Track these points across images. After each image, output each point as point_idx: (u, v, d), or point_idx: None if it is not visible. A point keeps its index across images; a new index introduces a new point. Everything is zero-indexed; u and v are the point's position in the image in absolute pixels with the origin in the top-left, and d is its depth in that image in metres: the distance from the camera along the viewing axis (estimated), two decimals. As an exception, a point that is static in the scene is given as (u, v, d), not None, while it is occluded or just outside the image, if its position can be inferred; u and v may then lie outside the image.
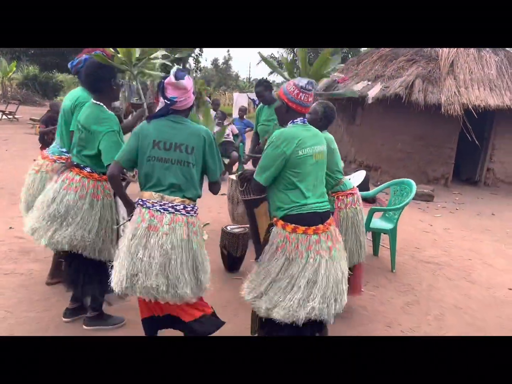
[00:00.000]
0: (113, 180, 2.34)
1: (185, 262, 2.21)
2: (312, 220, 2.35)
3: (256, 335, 2.63)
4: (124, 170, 2.45)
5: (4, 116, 15.49)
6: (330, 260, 2.36)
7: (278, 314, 2.29)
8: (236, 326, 3.10)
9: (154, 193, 2.25)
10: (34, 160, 3.65)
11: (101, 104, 2.70)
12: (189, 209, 2.28)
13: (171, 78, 2.23)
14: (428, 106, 7.87)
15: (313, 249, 2.32)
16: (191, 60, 24.18)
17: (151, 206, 2.23)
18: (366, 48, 13.67)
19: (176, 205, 2.23)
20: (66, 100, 3.15)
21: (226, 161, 6.34)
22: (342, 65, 11.36)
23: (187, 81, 2.26)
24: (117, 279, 2.22)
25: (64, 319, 2.99)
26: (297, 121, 2.41)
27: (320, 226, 2.36)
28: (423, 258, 4.85)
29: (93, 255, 2.75)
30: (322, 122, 3.16)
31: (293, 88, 2.37)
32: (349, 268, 3.19)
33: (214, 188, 2.48)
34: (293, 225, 2.33)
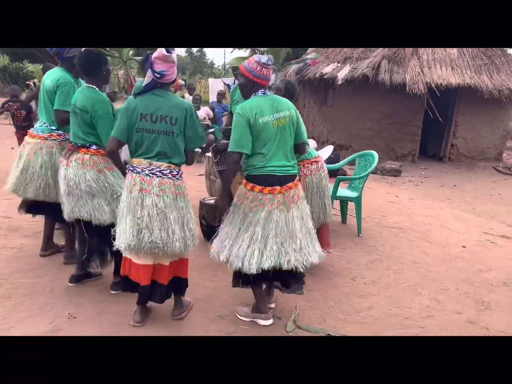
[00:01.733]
0: (112, 155, 2.64)
1: (176, 219, 2.54)
2: (269, 181, 2.62)
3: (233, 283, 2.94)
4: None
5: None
6: (284, 217, 2.62)
7: (241, 265, 2.60)
8: (215, 284, 3.44)
9: (143, 159, 2.55)
10: (12, 148, 3.86)
11: (94, 86, 2.92)
12: (175, 173, 2.58)
13: (163, 51, 2.47)
14: (394, 86, 8.29)
15: (267, 206, 2.59)
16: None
17: (140, 171, 2.53)
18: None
19: (163, 170, 2.54)
20: (47, 80, 3.30)
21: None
22: (312, 48, 11.67)
23: (175, 55, 2.55)
24: (124, 237, 2.54)
25: (70, 283, 3.23)
26: (258, 93, 2.69)
27: (277, 187, 2.62)
28: (388, 224, 5.26)
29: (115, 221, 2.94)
30: (285, 97, 3.47)
31: (256, 65, 2.64)
32: (316, 229, 3.58)
33: (190, 156, 2.74)
34: (252, 184, 2.64)
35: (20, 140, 6.35)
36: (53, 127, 3.42)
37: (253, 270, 2.57)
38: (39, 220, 4.38)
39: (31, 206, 3.63)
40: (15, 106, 6.37)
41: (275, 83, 3.95)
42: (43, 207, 3.51)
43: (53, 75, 3.30)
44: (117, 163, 2.75)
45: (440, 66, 8.65)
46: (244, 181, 2.70)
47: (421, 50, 8.80)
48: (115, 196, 2.98)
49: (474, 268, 4.05)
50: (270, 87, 2.89)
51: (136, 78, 5.64)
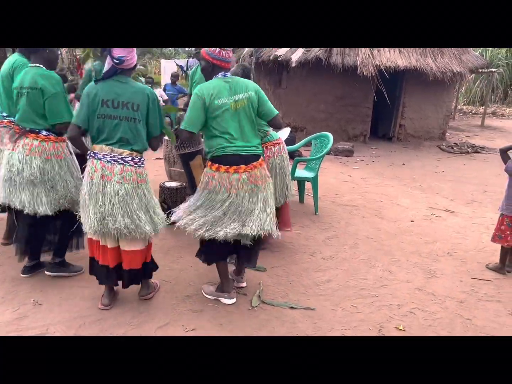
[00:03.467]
0: (74, 141, 2.63)
1: (139, 204, 2.58)
2: (234, 161, 2.72)
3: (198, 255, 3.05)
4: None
5: None
6: (248, 196, 2.73)
7: (203, 234, 2.72)
8: (181, 265, 3.52)
9: (104, 146, 2.55)
10: None
11: (39, 65, 2.85)
12: (136, 160, 2.60)
13: None
14: (346, 68, 8.53)
15: (233, 185, 2.70)
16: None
17: (102, 157, 2.53)
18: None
19: (125, 157, 2.55)
20: (4, 66, 3.22)
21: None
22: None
23: None
24: (87, 225, 2.56)
25: (22, 275, 3.17)
26: (218, 76, 2.78)
27: (242, 166, 2.72)
28: (342, 202, 5.51)
29: (72, 208, 2.94)
30: None
31: (214, 49, 2.73)
32: (277, 208, 3.73)
33: (154, 142, 2.78)
34: (217, 164, 2.73)
35: None
36: (4, 114, 3.33)
37: (217, 237, 2.69)
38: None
39: None
40: None
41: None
42: None
43: (9, 60, 3.23)
44: (82, 147, 2.73)
45: (388, 49, 8.96)
46: (209, 163, 2.78)
47: (371, 33, 9.07)
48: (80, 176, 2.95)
49: (422, 240, 4.36)
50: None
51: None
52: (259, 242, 2.97)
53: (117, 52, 2.51)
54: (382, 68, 8.58)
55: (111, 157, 2.54)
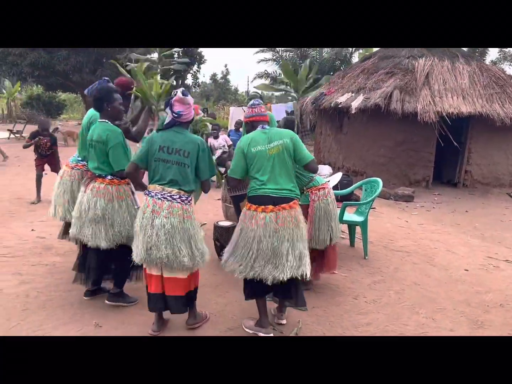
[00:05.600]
0: (129, 176, 3.08)
1: (182, 238, 2.90)
2: (263, 201, 3.00)
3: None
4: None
5: (12, 135, 16.29)
6: (273, 235, 2.94)
7: (238, 274, 3.01)
8: (227, 300, 3.77)
9: (157, 185, 2.95)
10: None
11: (106, 120, 3.33)
12: (183, 198, 2.97)
13: (179, 94, 2.96)
14: (405, 115, 8.60)
15: (259, 223, 2.95)
16: (189, 76, 25.01)
17: (154, 195, 2.94)
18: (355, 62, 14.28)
19: (173, 195, 2.93)
20: (85, 118, 3.81)
21: (222, 170, 7.03)
22: (329, 77, 12.11)
23: (190, 98, 3.01)
24: (136, 253, 2.97)
25: (84, 297, 3.64)
26: (257, 128, 3.18)
27: (270, 206, 2.97)
28: (394, 247, 5.50)
29: (129, 243, 3.30)
30: None
31: (248, 110, 3.26)
32: (322, 250, 3.90)
33: (205, 185, 3.16)
34: (250, 204, 3.05)
35: (40, 166, 7.02)
36: (79, 158, 3.91)
37: (250, 277, 2.96)
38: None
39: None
40: (45, 140, 6.89)
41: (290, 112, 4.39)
42: None
43: (89, 114, 3.78)
44: (136, 181, 3.20)
45: (451, 96, 8.93)
46: (246, 203, 3.12)
47: (432, 81, 9.12)
48: (135, 207, 3.38)
49: (473, 290, 4.25)
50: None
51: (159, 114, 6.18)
52: (295, 281, 3.13)
53: (177, 107, 2.96)
54: (444, 114, 8.53)
55: (161, 194, 2.93)
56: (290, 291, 3.17)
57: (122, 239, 3.34)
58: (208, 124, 9.45)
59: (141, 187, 3.19)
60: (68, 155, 4.22)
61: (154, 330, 3.13)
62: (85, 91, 3.80)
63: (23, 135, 16.45)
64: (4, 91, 26.43)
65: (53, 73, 18.24)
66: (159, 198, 2.92)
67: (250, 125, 3.25)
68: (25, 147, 7.15)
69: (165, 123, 3.06)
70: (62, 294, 3.70)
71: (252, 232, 2.96)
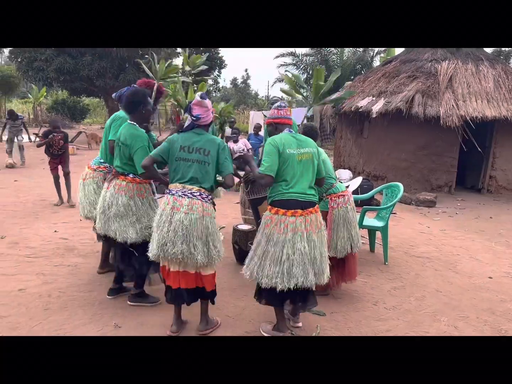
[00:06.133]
0: (147, 169, 3.06)
1: (199, 234, 2.92)
2: (292, 205, 2.99)
3: (256, 298, 3.26)
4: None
5: (37, 138, 16.70)
6: (305, 239, 2.95)
7: (264, 282, 2.95)
8: (245, 303, 3.77)
9: (178, 183, 3.00)
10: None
11: (134, 123, 3.42)
12: (204, 196, 3.00)
13: (197, 98, 3.02)
14: (428, 119, 8.46)
15: (289, 228, 2.93)
16: (210, 81, 25.22)
17: (174, 193, 2.98)
18: (376, 65, 14.16)
19: (194, 192, 2.97)
20: (108, 121, 3.91)
21: (242, 173, 7.05)
22: (350, 82, 12.05)
23: (208, 102, 3.06)
24: (151, 249, 2.99)
25: (108, 296, 3.71)
26: (284, 131, 3.14)
27: (299, 210, 2.98)
28: (415, 253, 5.41)
29: (148, 239, 3.37)
30: None
31: (273, 111, 3.22)
32: (342, 259, 3.85)
33: (228, 180, 3.11)
34: (276, 208, 3.01)
35: (55, 168, 7.01)
36: (101, 160, 3.99)
37: (278, 287, 2.91)
38: (91, 242, 4.93)
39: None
40: (59, 137, 6.89)
41: (308, 117, 4.35)
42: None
43: (113, 115, 3.87)
44: (155, 174, 3.20)
45: (475, 99, 8.75)
46: (269, 206, 3.07)
47: (456, 84, 8.96)
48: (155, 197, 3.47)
49: (498, 298, 4.14)
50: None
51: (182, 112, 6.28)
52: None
53: (195, 110, 3.02)
54: (468, 118, 8.37)
55: (182, 192, 2.97)
56: (308, 297, 3.15)
57: (149, 235, 3.38)
58: (226, 128, 9.51)
59: (161, 180, 3.24)
60: (92, 158, 4.30)
61: (173, 331, 3.16)
62: (113, 95, 3.86)
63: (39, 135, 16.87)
64: (31, 96, 27.15)
65: (77, 78, 18.67)
66: (179, 196, 2.96)
67: (274, 126, 3.21)
68: (39, 145, 7.13)
69: (184, 126, 3.11)
70: (83, 295, 3.76)
71: (283, 237, 2.93)
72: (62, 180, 7.13)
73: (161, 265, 3.14)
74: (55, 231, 5.49)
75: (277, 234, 2.95)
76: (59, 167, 7.10)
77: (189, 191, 2.96)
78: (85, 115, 28.22)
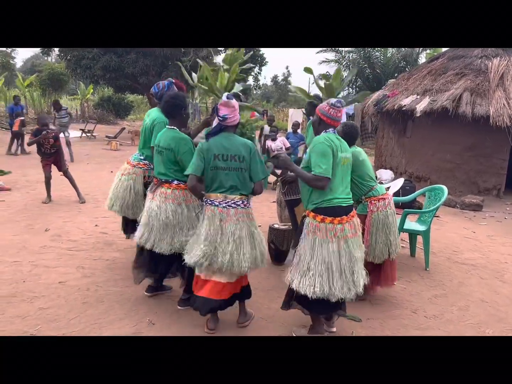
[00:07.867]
0: (193, 189, 3.06)
1: (248, 243, 2.95)
2: (338, 212, 2.91)
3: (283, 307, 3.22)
4: None
5: (83, 134, 17.33)
6: (350, 245, 2.89)
7: (309, 292, 2.83)
8: (278, 305, 3.68)
9: (219, 194, 2.98)
10: (112, 171, 4.39)
11: (174, 128, 3.34)
12: (246, 203, 3.02)
13: (224, 98, 3.00)
14: (476, 118, 8.06)
15: (338, 235, 2.86)
16: (250, 79, 25.25)
17: (218, 204, 2.97)
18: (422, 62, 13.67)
19: (237, 202, 2.98)
20: (146, 119, 3.89)
21: (279, 172, 6.99)
22: (393, 80, 11.68)
23: (235, 102, 3.02)
24: (193, 255, 2.98)
25: (146, 293, 3.74)
26: (329, 131, 3.01)
27: (344, 217, 2.92)
28: (459, 260, 5.16)
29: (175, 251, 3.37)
30: (345, 139, 3.42)
31: (325, 105, 3.01)
32: (379, 264, 3.72)
33: (258, 187, 3.10)
34: (322, 216, 2.90)
35: (47, 167, 6.72)
36: (142, 157, 4.01)
37: (329, 298, 2.86)
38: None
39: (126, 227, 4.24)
40: (53, 134, 6.60)
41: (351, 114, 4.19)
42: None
43: (152, 116, 3.84)
44: (198, 195, 3.14)
45: (528, 98, 8.25)
46: (312, 213, 2.93)
47: (507, 82, 8.48)
48: (194, 214, 3.36)
49: (549, 311, 3.87)
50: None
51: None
52: None
53: (222, 111, 2.98)
54: (520, 117, 7.90)
55: (226, 203, 2.96)
56: (345, 303, 3.08)
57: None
58: (264, 126, 9.38)
59: (201, 197, 3.15)
60: (134, 153, 4.32)
61: (211, 328, 3.18)
62: (152, 90, 3.86)
63: (93, 134, 17.46)
64: (79, 93, 28.17)
65: (122, 75, 19.15)
66: (224, 207, 2.96)
67: (323, 125, 3.01)
68: (30, 144, 6.83)
69: (212, 128, 3.09)
70: (120, 290, 3.83)
71: (332, 246, 2.84)
72: (53, 181, 6.96)
73: (196, 273, 3.13)
74: (96, 225, 5.64)
75: (324, 242, 2.85)
76: (53, 166, 6.89)
77: (232, 201, 2.97)
78: (129, 111, 28.94)
